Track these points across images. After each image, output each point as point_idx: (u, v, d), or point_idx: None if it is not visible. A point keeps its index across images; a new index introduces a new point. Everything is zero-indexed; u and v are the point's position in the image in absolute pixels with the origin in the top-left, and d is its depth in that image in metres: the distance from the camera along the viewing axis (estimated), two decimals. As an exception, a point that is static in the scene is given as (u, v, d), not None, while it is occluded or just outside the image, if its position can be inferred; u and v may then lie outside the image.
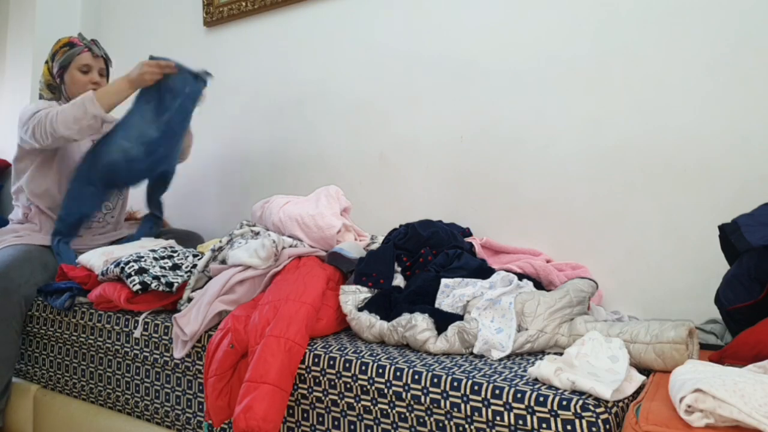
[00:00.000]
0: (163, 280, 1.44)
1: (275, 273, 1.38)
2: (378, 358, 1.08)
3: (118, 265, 1.48)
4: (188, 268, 1.52)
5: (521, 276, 1.32)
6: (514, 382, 0.93)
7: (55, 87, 1.91)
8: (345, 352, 1.12)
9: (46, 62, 1.92)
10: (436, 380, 0.98)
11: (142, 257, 1.51)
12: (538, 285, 1.33)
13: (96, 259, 1.59)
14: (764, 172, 1.32)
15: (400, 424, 1.02)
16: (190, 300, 1.41)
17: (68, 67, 1.87)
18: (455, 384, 0.95)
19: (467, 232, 1.63)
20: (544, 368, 0.92)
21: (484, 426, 0.92)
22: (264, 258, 1.37)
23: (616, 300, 1.47)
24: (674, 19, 1.44)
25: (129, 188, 2.01)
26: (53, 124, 1.67)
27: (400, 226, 1.55)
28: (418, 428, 1.00)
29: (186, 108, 1.83)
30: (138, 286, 1.42)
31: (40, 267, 1.68)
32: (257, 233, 1.51)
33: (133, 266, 1.46)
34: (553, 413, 0.85)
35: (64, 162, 1.84)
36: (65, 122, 1.66)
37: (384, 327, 1.19)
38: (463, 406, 0.94)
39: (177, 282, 1.45)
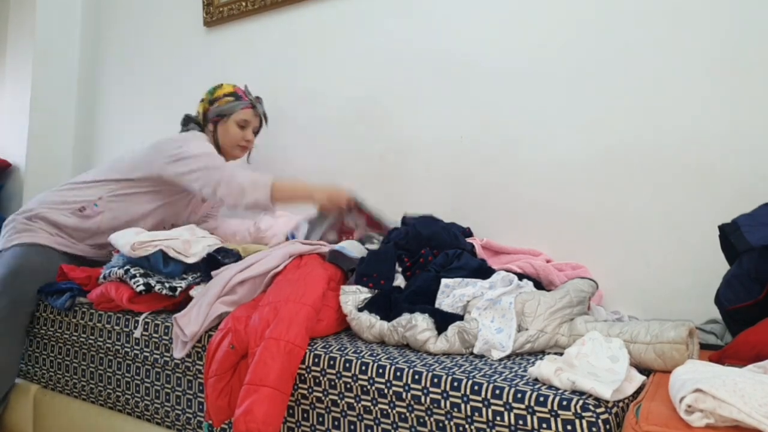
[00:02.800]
0: (167, 284, 1.44)
1: (276, 273, 1.38)
2: (378, 358, 1.08)
3: (121, 267, 1.48)
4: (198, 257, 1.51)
5: (521, 276, 1.32)
6: (515, 382, 0.93)
7: (200, 125, 1.88)
8: (345, 352, 1.12)
9: (203, 101, 1.90)
10: (436, 380, 0.98)
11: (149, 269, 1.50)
12: (538, 285, 1.33)
13: (128, 236, 1.55)
14: (764, 172, 1.32)
15: (400, 424, 1.02)
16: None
17: (227, 117, 1.85)
18: (455, 384, 0.95)
19: (467, 232, 1.63)
20: (544, 368, 0.92)
21: (484, 426, 0.92)
22: None
23: (616, 300, 1.47)
24: (674, 20, 1.44)
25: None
26: (231, 191, 1.64)
27: (402, 224, 1.55)
28: (418, 428, 1.00)
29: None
30: (141, 287, 1.42)
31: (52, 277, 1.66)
32: None
33: (138, 269, 1.47)
34: (553, 413, 0.85)
35: (171, 209, 1.84)
36: (240, 194, 1.64)
37: (384, 327, 1.19)
38: (463, 406, 0.94)
39: (180, 287, 1.45)
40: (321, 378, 1.12)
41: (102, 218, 1.76)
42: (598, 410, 0.83)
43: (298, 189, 1.72)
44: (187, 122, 1.92)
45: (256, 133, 1.95)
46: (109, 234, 1.64)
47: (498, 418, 0.90)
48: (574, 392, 0.87)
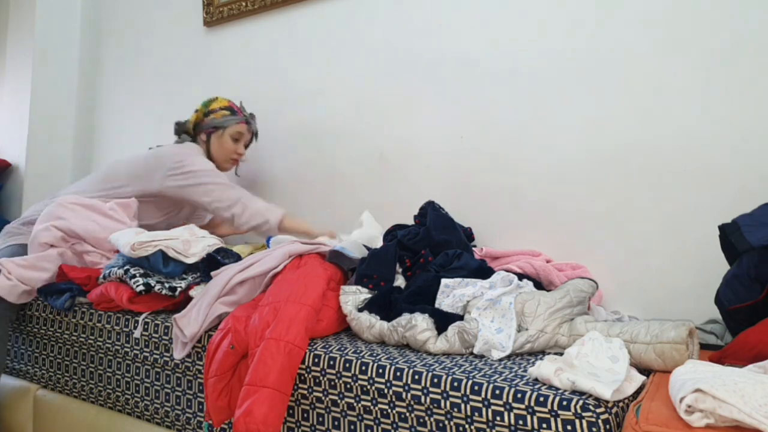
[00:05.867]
0: (166, 284, 1.44)
1: (275, 273, 1.38)
2: (378, 358, 1.08)
3: (121, 267, 1.48)
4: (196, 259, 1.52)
5: (521, 276, 1.32)
6: (515, 382, 0.93)
7: (192, 135, 1.96)
8: (345, 352, 1.12)
9: (197, 111, 1.96)
10: (436, 380, 0.98)
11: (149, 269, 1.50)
12: (538, 285, 1.33)
13: (127, 236, 1.56)
14: (764, 172, 1.32)
15: (400, 424, 1.02)
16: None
17: (222, 129, 1.92)
18: (455, 384, 0.95)
19: (468, 233, 1.63)
20: (544, 368, 0.92)
21: (484, 426, 0.92)
22: None
23: (616, 300, 1.47)
24: (674, 20, 1.44)
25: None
26: (244, 217, 1.77)
27: (415, 223, 1.53)
28: (418, 428, 1.00)
29: None
30: (141, 287, 1.42)
31: None
32: None
33: (138, 269, 1.47)
34: (553, 413, 0.85)
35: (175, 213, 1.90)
36: (248, 221, 1.78)
37: (384, 327, 1.19)
38: (463, 406, 0.94)
39: (180, 287, 1.45)
40: (321, 378, 1.12)
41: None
42: (598, 410, 0.83)
43: (301, 230, 1.80)
44: (180, 131, 1.98)
45: (246, 146, 2.01)
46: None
47: (498, 418, 0.90)
48: (574, 392, 0.87)
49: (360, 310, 1.26)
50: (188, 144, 1.93)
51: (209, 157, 1.93)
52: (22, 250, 1.70)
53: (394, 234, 1.50)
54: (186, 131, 1.97)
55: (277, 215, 1.78)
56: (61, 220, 1.64)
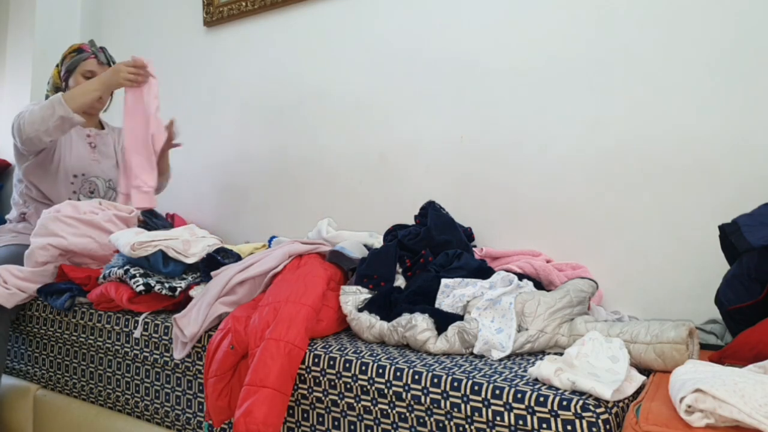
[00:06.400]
0: (166, 284, 1.44)
1: (275, 273, 1.38)
2: (378, 358, 1.08)
3: (121, 267, 1.48)
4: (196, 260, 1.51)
5: (521, 276, 1.32)
6: (515, 383, 0.93)
7: (60, 89, 1.95)
8: (345, 352, 1.12)
9: (57, 66, 1.99)
10: (436, 380, 0.98)
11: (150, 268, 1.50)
12: (538, 285, 1.33)
13: (127, 236, 1.56)
14: (764, 172, 1.32)
15: (400, 424, 1.02)
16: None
17: (73, 71, 1.93)
18: (455, 384, 0.95)
19: (468, 232, 1.63)
20: (544, 368, 0.92)
21: (484, 426, 0.92)
22: None
23: (616, 300, 1.47)
24: (674, 19, 1.44)
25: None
26: (21, 125, 1.70)
27: (415, 223, 1.53)
28: (418, 428, 1.00)
29: None
30: (141, 287, 1.42)
31: None
32: None
33: (138, 269, 1.47)
34: (553, 413, 0.85)
35: (59, 165, 1.88)
36: (32, 123, 1.69)
37: (384, 327, 1.19)
38: (463, 406, 0.94)
39: (180, 287, 1.45)
40: (321, 378, 1.12)
41: (35, 211, 1.84)
42: (598, 410, 0.83)
43: (85, 84, 1.81)
44: (48, 92, 1.99)
45: None
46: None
47: (498, 419, 0.90)
48: (574, 392, 0.87)
49: (360, 310, 1.26)
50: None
51: None
52: (21, 249, 1.70)
53: (394, 234, 1.50)
54: (55, 90, 1.96)
55: (61, 105, 1.70)
56: (58, 238, 1.62)
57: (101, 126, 2.07)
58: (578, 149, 1.55)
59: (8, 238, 1.82)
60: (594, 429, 0.82)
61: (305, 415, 1.15)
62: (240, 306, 1.33)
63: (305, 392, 1.14)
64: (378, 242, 1.58)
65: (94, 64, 1.94)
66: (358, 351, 1.13)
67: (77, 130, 1.94)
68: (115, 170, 2.01)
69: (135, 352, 1.43)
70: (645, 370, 0.99)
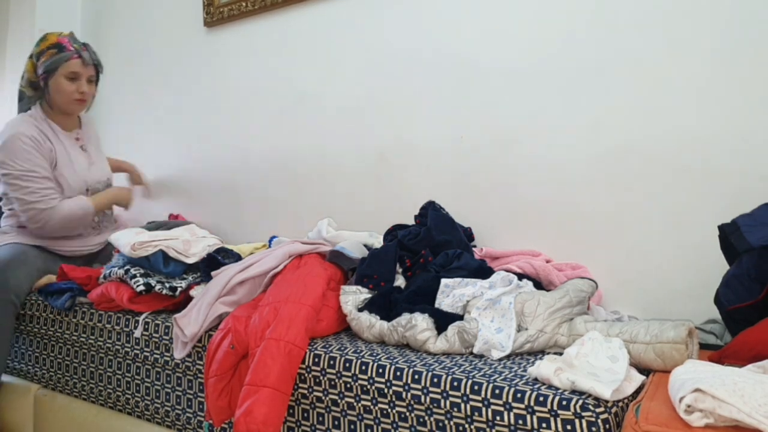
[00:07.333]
0: (167, 284, 1.45)
1: (276, 273, 1.38)
2: (378, 357, 1.08)
3: (122, 267, 1.49)
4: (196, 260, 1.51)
5: (521, 276, 1.32)
6: (514, 382, 0.93)
7: (38, 86, 1.80)
8: (345, 352, 1.12)
9: (31, 57, 1.79)
10: (436, 380, 0.98)
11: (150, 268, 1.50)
12: (538, 285, 1.33)
13: (128, 236, 1.56)
14: (764, 172, 1.32)
15: (400, 423, 1.02)
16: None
17: (54, 72, 1.75)
18: (455, 384, 0.95)
19: (468, 232, 1.63)
20: (543, 368, 0.92)
21: (484, 426, 0.92)
22: None
23: (616, 300, 1.47)
24: (674, 20, 1.44)
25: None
26: (46, 222, 1.72)
27: (415, 223, 1.53)
28: (418, 428, 1.00)
29: None
30: (142, 287, 1.42)
31: (34, 269, 1.69)
32: None
33: (139, 269, 1.47)
34: (552, 413, 0.85)
35: (68, 187, 1.82)
36: (64, 227, 1.77)
37: (384, 327, 1.19)
38: (463, 405, 0.94)
39: (180, 287, 1.45)
40: (321, 378, 1.12)
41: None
42: (598, 410, 0.83)
43: (103, 202, 1.90)
44: (22, 93, 1.86)
45: (95, 82, 1.86)
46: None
47: (498, 418, 0.90)
48: (573, 392, 0.87)
49: (360, 310, 1.26)
50: (14, 121, 1.79)
51: (51, 104, 1.80)
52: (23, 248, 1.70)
53: (394, 234, 1.50)
54: (30, 85, 1.82)
55: (92, 213, 1.81)
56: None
57: (80, 123, 1.98)
58: (578, 149, 1.55)
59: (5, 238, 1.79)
60: (593, 429, 0.82)
61: (305, 415, 1.15)
62: (240, 306, 1.33)
63: (305, 392, 1.14)
64: (378, 242, 1.58)
65: (79, 65, 1.76)
66: (358, 351, 1.13)
67: (68, 140, 1.87)
68: (106, 161, 2.03)
69: (135, 351, 1.43)
70: (644, 370, 0.99)
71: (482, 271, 1.33)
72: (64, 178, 1.80)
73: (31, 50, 1.83)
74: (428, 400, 0.97)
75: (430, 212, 1.52)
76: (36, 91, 1.83)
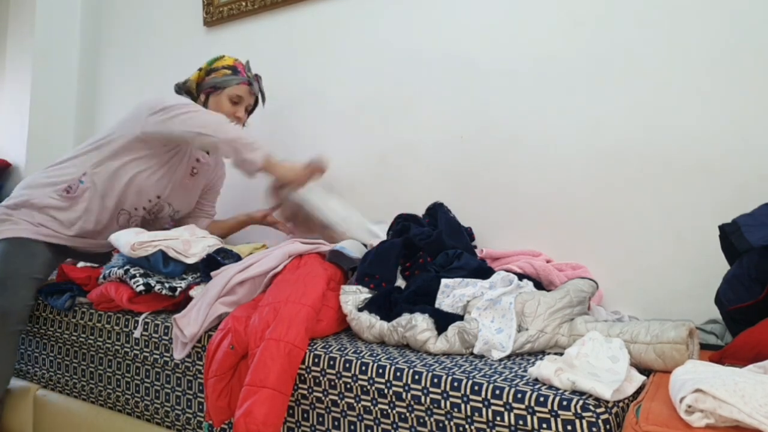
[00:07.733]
0: (166, 284, 1.44)
1: (275, 273, 1.38)
2: (378, 358, 1.08)
3: (121, 267, 1.48)
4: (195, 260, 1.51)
5: (521, 276, 1.32)
6: (515, 383, 0.93)
7: (192, 95, 1.81)
8: (345, 352, 1.12)
9: (200, 69, 1.84)
10: (436, 380, 0.98)
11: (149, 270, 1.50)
12: (538, 285, 1.33)
13: (127, 236, 1.53)
14: (764, 172, 1.32)
15: (400, 424, 1.02)
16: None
17: (222, 91, 1.78)
18: (455, 384, 0.95)
19: (468, 232, 1.63)
20: (544, 368, 0.92)
21: (484, 426, 0.92)
22: None
23: (616, 300, 1.47)
24: (674, 19, 1.44)
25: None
26: (209, 127, 1.56)
27: (426, 214, 1.54)
28: (418, 428, 1.00)
29: None
30: (141, 287, 1.42)
31: (39, 272, 1.59)
32: None
33: (138, 269, 1.47)
34: (553, 413, 0.85)
35: (171, 176, 1.73)
36: (206, 125, 1.57)
37: (384, 327, 1.19)
38: (463, 406, 0.94)
39: (180, 287, 1.45)
40: (321, 378, 1.12)
41: (90, 195, 1.64)
42: (598, 410, 0.83)
43: (286, 167, 1.64)
44: (180, 90, 1.85)
45: (249, 112, 1.87)
46: (98, 214, 1.62)
47: (498, 419, 0.90)
48: (574, 392, 0.87)
49: (360, 309, 1.26)
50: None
51: None
52: (10, 248, 1.59)
53: (403, 226, 1.48)
54: (187, 90, 1.82)
55: (262, 155, 1.57)
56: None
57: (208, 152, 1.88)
58: (578, 149, 1.55)
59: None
60: (594, 429, 0.82)
61: (305, 415, 1.15)
62: (240, 306, 1.33)
63: (305, 392, 1.14)
64: (382, 231, 1.57)
65: (246, 91, 1.80)
66: (358, 351, 1.12)
67: (190, 156, 1.77)
68: (191, 205, 1.89)
69: (135, 352, 1.43)
70: (645, 370, 0.99)
71: (482, 271, 1.33)
72: (143, 179, 1.67)
73: (201, 65, 1.85)
74: (428, 400, 0.97)
75: (440, 215, 1.52)
76: (188, 96, 1.82)
